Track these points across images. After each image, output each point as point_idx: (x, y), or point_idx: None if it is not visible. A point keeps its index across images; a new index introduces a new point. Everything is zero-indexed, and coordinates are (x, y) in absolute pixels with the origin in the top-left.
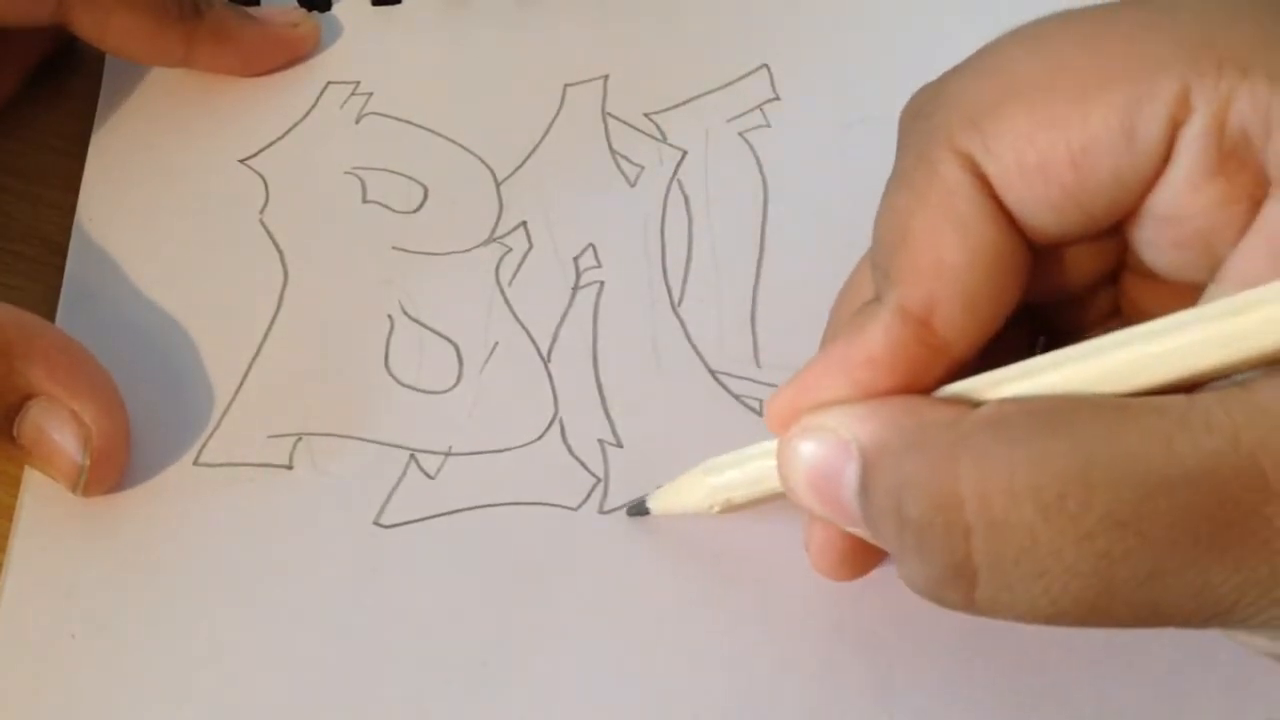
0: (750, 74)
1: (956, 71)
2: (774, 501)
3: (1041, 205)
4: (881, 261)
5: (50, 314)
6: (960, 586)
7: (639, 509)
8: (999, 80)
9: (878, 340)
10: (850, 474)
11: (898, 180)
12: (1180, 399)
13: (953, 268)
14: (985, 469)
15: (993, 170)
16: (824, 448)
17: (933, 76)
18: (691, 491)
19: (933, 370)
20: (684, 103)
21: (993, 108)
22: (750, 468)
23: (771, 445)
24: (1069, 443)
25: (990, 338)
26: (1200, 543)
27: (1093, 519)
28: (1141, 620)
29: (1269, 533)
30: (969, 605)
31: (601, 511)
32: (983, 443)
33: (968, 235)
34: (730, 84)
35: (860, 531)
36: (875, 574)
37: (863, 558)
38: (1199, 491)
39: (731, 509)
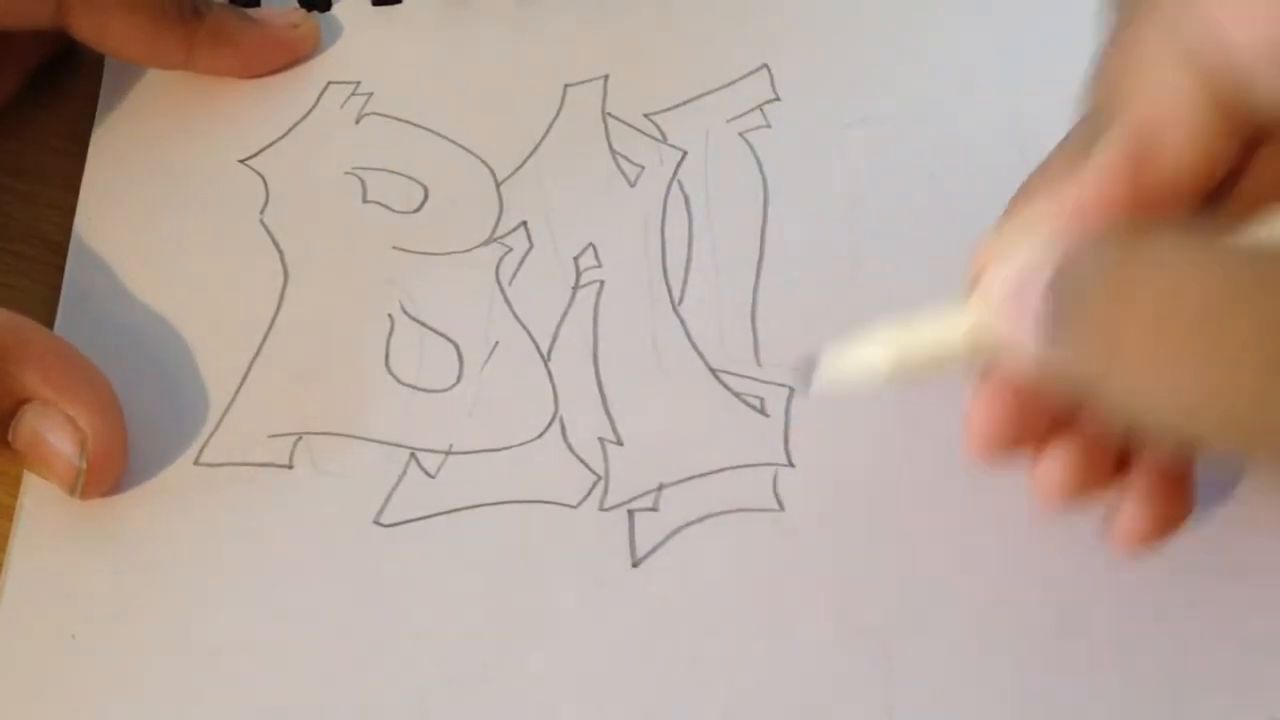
0: (750, 74)
1: None
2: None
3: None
4: (1104, 98)
5: (50, 314)
6: (1110, 354)
7: (807, 373)
8: None
9: (1097, 179)
10: (1043, 281)
11: (1120, 19)
12: None
13: (1178, 93)
14: (1169, 248)
15: (1218, 17)
16: (1030, 254)
17: (932, 77)
18: (862, 360)
19: (1138, 215)
20: (684, 103)
21: None
22: (922, 329)
23: (937, 309)
24: (1243, 253)
25: (1198, 196)
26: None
27: (1266, 320)
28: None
29: None
30: (1112, 376)
31: (602, 509)
32: (1169, 237)
33: (1195, 62)
34: (730, 84)
35: (1031, 355)
36: (878, 571)
37: (1018, 428)
38: None
39: (906, 373)
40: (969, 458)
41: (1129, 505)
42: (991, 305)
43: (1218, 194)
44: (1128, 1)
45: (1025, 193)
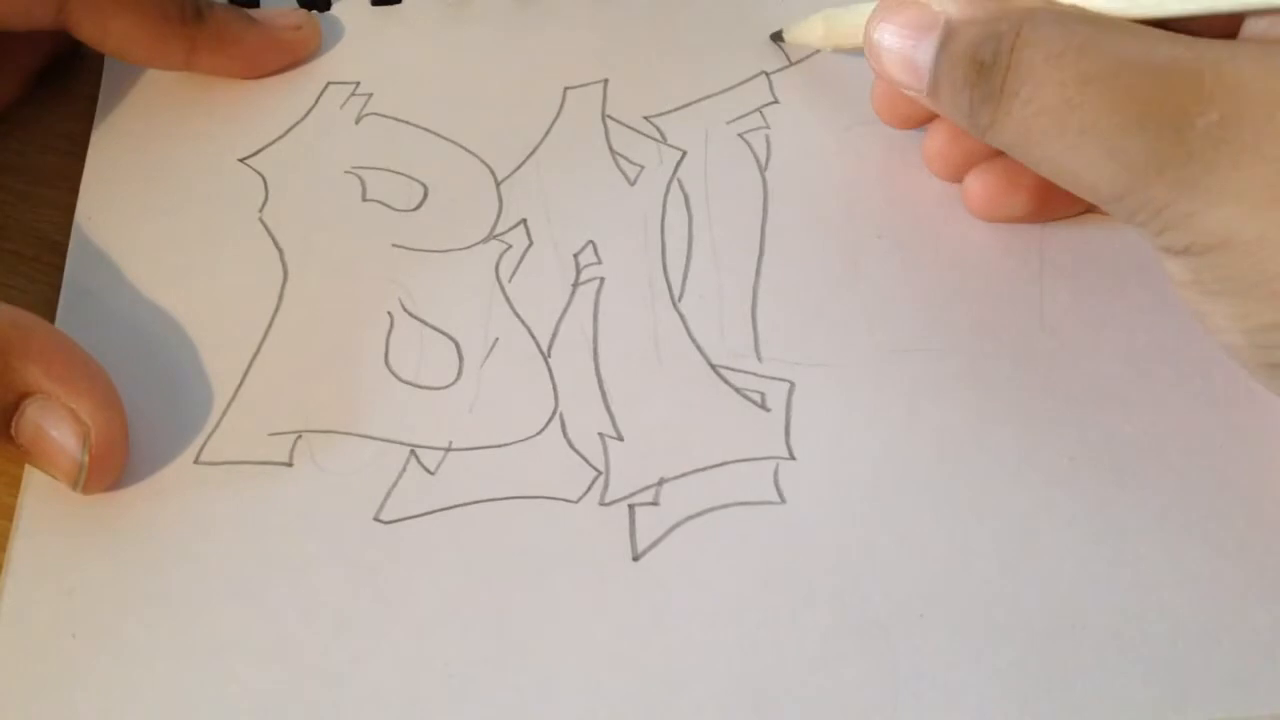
0: (750, 79)
1: None
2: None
3: None
4: None
5: (50, 314)
6: (995, 106)
7: (778, 36)
8: None
9: None
10: (932, 40)
11: None
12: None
13: None
14: (1044, 30)
15: None
16: (915, 12)
17: None
18: (812, 29)
19: None
20: (684, 106)
21: None
22: (860, 17)
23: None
24: (1092, 20)
25: None
26: (1133, 115)
27: (1074, 73)
28: (1068, 165)
29: (1184, 124)
30: (992, 122)
31: (602, 504)
32: (1044, 18)
33: None
34: (730, 88)
35: (917, 92)
36: (879, 563)
37: (906, 110)
38: (1152, 76)
39: (837, 48)
40: (932, 170)
41: (974, 171)
42: (882, 42)
43: None
44: None
45: None
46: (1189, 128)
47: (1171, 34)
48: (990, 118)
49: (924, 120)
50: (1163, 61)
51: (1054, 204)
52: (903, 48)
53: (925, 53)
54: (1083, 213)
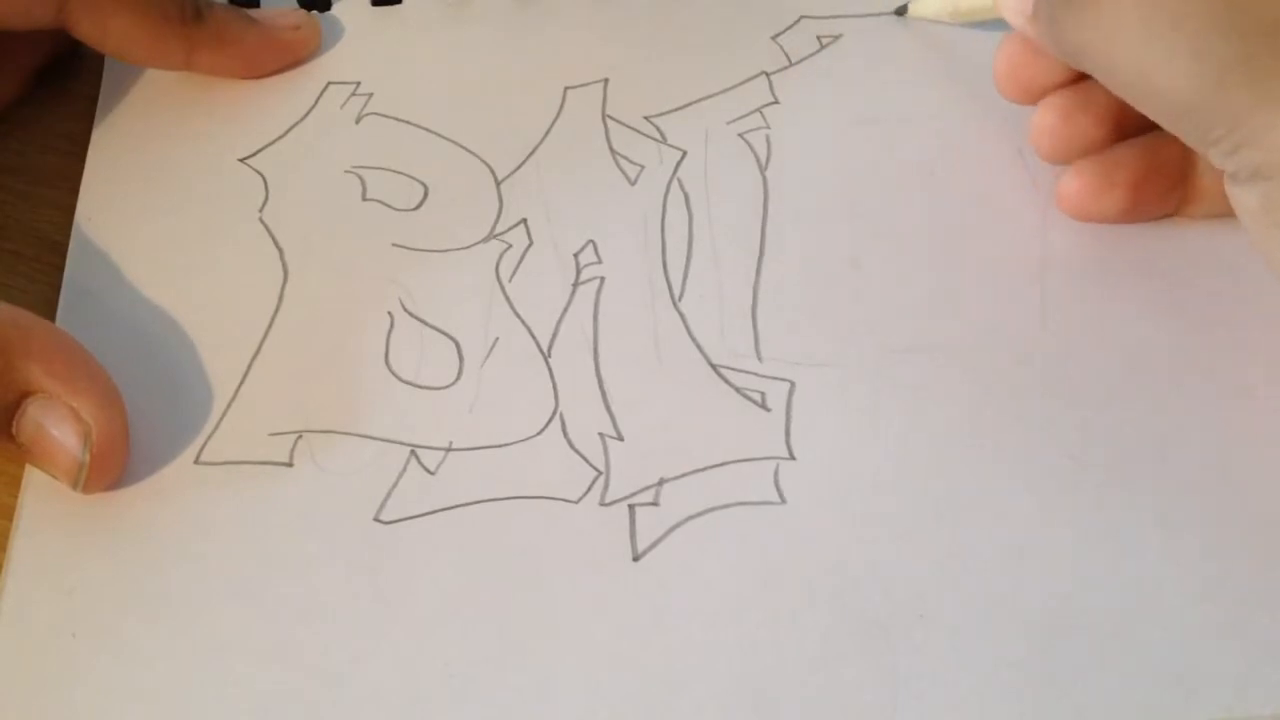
0: (750, 79)
1: None
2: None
3: None
4: None
5: (50, 314)
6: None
7: (902, 10)
8: None
9: None
10: None
11: None
12: None
13: None
14: None
15: None
16: None
17: (932, 80)
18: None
19: None
20: (684, 106)
21: None
22: None
23: None
24: None
25: None
26: (1223, 14)
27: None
28: (1147, 65)
29: (1276, 32)
30: (1076, 20)
31: (603, 504)
32: None
33: None
34: (730, 88)
35: (1023, 22)
36: (880, 563)
37: (1033, 70)
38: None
39: (959, 16)
40: (1001, 89)
41: (1071, 169)
42: None
43: None
44: None
45: None
46: None
47: None
48: (1074, 14)
49: (1043, 94)
50: None
51: (1147, 202)
52: None
53: None
54: (1169, 215)
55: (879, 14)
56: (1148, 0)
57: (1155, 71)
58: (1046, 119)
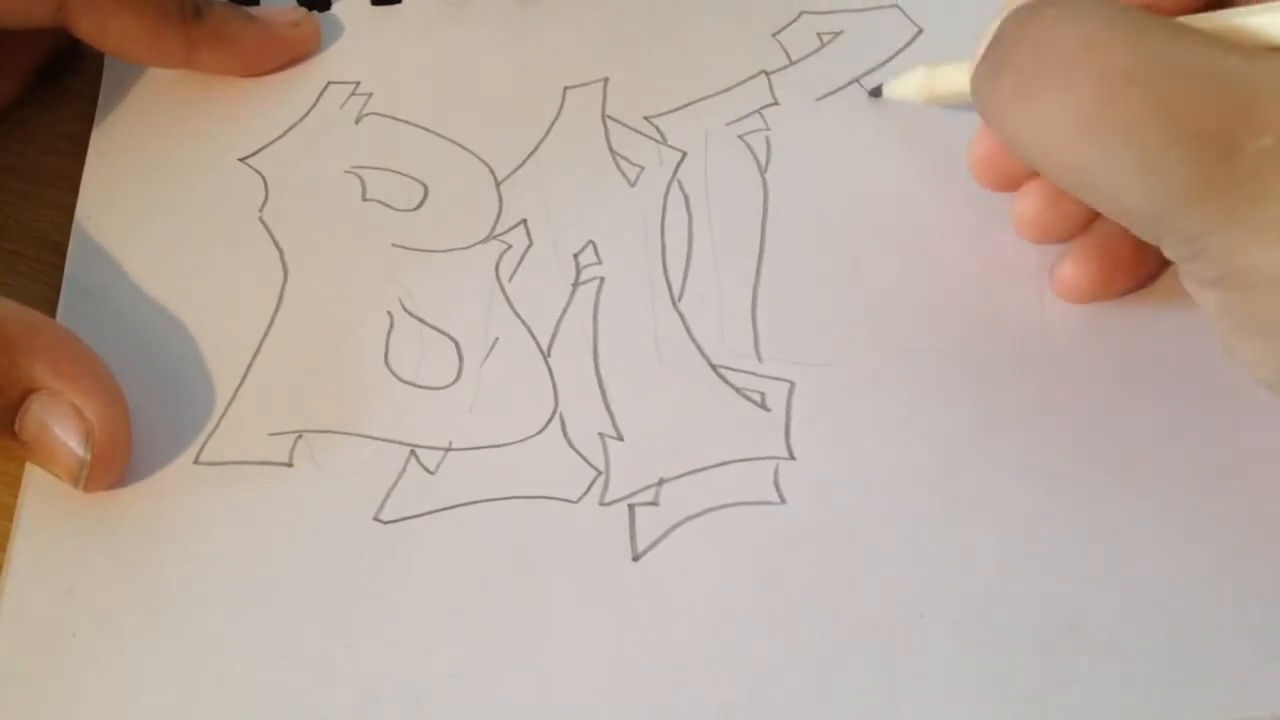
0: (750, 79)
1: None
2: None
3: None
4: None
5: (50, 314)
6: (994, 78)
7: (878, 91)
8: None
9: None
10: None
11: None
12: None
13: None
14: (1069, 4)
15: None
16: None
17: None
18: (911, 78)
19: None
20: (684, 106)
21: None
22: (960, 65)
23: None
24: (1142, 19)
25: None
26: (1178, 127)
27: (1112, 64)
28: (1093, 176)
29: (1233, 146)
30: (994, 104)
31: (602, 504)
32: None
33: None
34: (730, 89)
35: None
36: (879, 564)
37: (1008, 168)
38: (1203, 87)
39: (936, 100)
40: (973, 177)
41: (1069, 257)
42: (984, 42)
43: None
44: None
45: None
46: (1238, 150)
47: (1224, 40)
48: (1008, 95)
49: (1020, 181)
50: (1215, 72)
51: (1150, 273)
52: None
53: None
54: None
55: (880, 7)
56: (1088, 102)
57: (1099, 178)
58: (1029, 207)
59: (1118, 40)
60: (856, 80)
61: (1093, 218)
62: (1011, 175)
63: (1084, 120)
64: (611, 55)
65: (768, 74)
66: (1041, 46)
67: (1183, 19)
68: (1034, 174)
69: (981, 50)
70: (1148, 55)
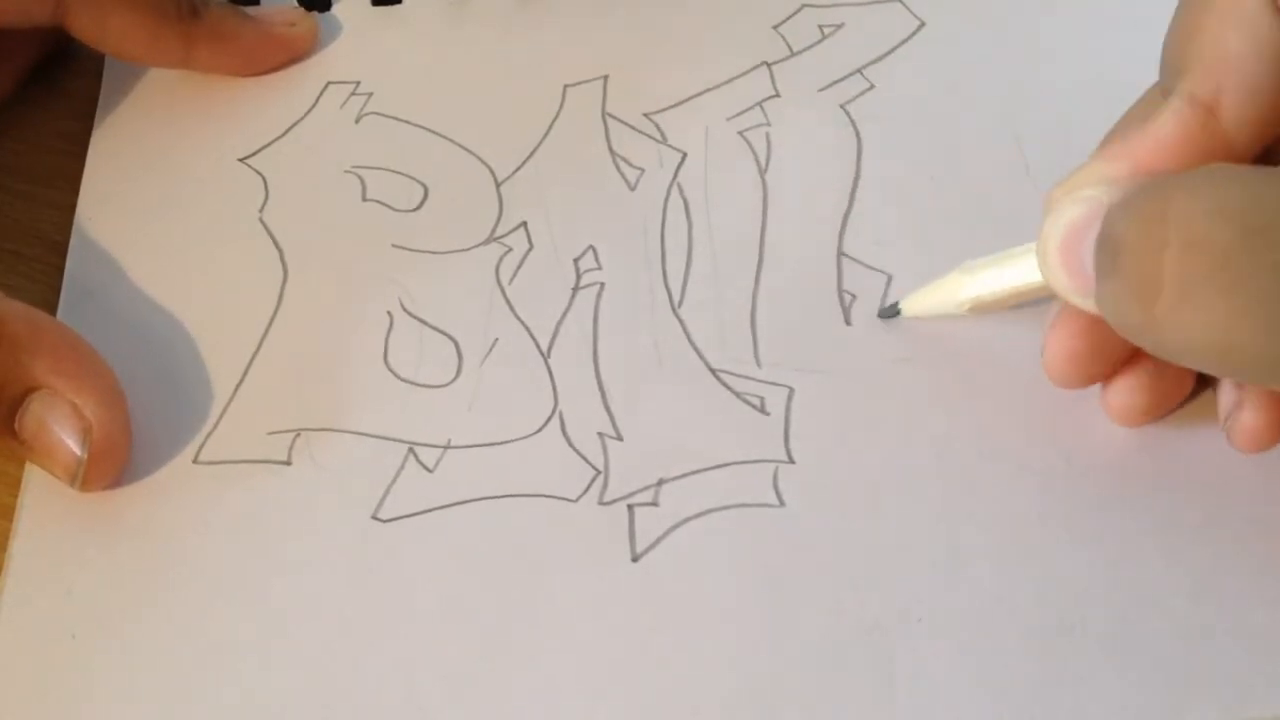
0: (750, 71)
1: None
2: (1021, 302)
3: None
4: (1172, 59)
5: (50, 314)
6: (1145, 299)
7: (891, 311)
8: None
9: (1166, 126)
10: (1095, 229)
11: None
12: None
13: (1239, 57)
14: (1195, 193)
15: None
16: (1081, 208)
17: (932, 80)
18: (946, 290)
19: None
20: (684, 100)
21: None
22: (1005, 266)
23: (1025, 245)
24: (1256, 205)
25: (1271, 140)
26: None
27: (1239, 227)
28: (1229, 337)
29: None
30: (1149, 323)
31: (602, 504)
32: (1200, 178)
33: (1254, 29)
34: (730, 81)
35: (1089, 302)
36: (878, 566)
37: (1092, 360)
38: None
39: (981, 308)
40: (1053, 380)
41: (1246, 409)
42: (1047, 257)
43: None
44: None
45: (1101, 146)
46: None
47: None
48: (1167, 312)
49: (1108, 377)
50: None
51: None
52: (1067, 255)
53: (1089, 250)
54: None
55: (882, 0)
56: (1271, 297)
57: (1234, 341)
58: (1133, 400)
59: (1277, 219)
60: (858, 71)
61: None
62: (1101, 372)
63: (1275, 324)
64: (612, 51)
65: (769, 65)
66: (1192, 251)
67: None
68: (1127, 362)
69: (1064, 252)
70: (1266, 208)
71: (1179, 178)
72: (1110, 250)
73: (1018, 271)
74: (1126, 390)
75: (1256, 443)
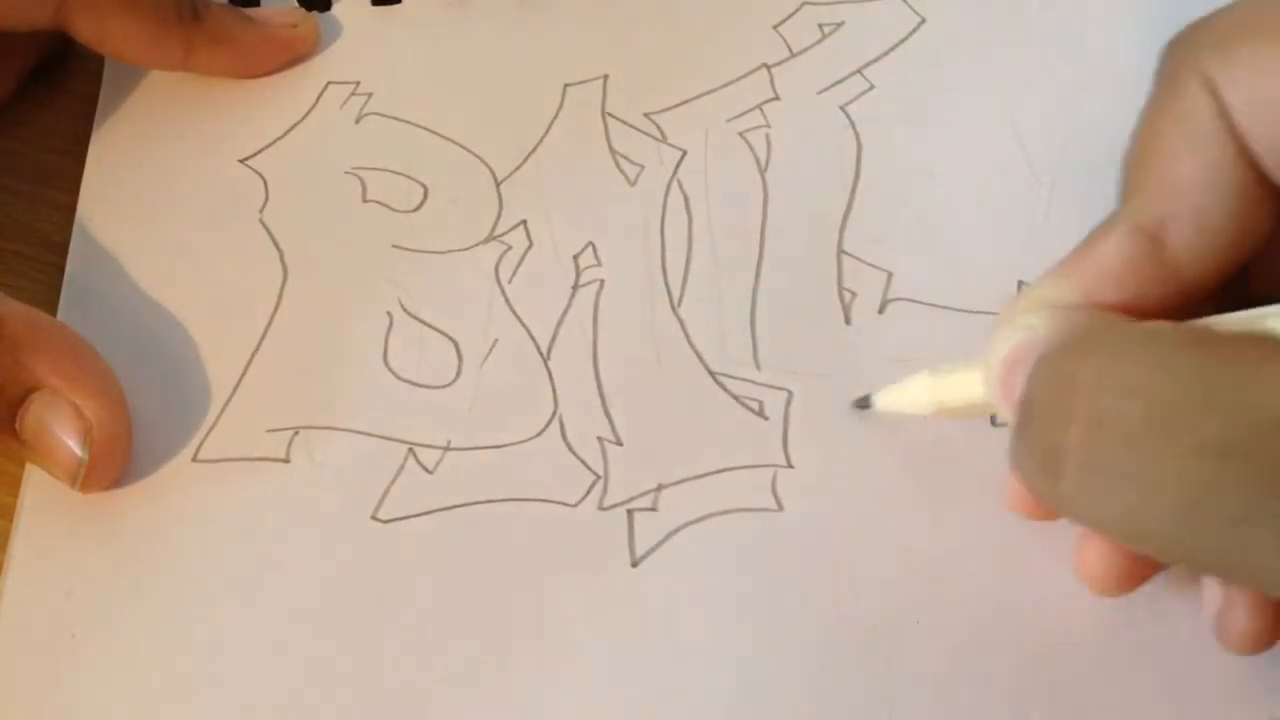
0: (750, 73)
1: (1226, 6)
2: (983, 415)
3: (1275, 143)
4: (1125, 180)
5: (50, 314)
6: (1050, 473)
7: (864, 403)
8: (1258, 14)
9: (1109, 251)
10: (1031, 365)
11: (1148, 102)
12: None
13: (1186, 184)
14: (1104, 365)
15: (1230, 98)
16: (1018, 337)
17: (932, 78)
18: (914, 392)
19: (1162, 291)
20: (684, 102)
21: (1240, 37)
22: (971, 374)
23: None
24: (1202, 363)
25: (1228, 273)
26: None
27: (1197, 440)
28: (1214, 565)
29: None
30: (1054, 496)
31: (601, 508)
32: (1114, 345)
33: (1203, 155)
34: (730, 83)
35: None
36: (877, 572)
37: (1130, 572)
38: None
39: (946, 414)
40: (1093, 588)
41: (1238, 609)
42: (990, 384)
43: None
44: (1161, 77)
45: (1059, 263)
46: None
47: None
48: (1072, 491)
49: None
50: None
51: None
52: (1005, 388)
53: (1021, 385)
54: None
55: None
56: (1180, 490)
57: (1238, 564)
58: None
59: (1190, 400)
60: (859, 71)
61: None
62: (1141, 573)
63: (1182, 512)
64: (612, 51)
65: (769, 67)
66: (1097, 429)
67: (1213, 323)
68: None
69: (1002, 384)
70: (1235, 412)
71: (1094, 339)
72: (1025, 412)
73: (967, 386)
74: (1098, 558)
75: (1255, 646)
